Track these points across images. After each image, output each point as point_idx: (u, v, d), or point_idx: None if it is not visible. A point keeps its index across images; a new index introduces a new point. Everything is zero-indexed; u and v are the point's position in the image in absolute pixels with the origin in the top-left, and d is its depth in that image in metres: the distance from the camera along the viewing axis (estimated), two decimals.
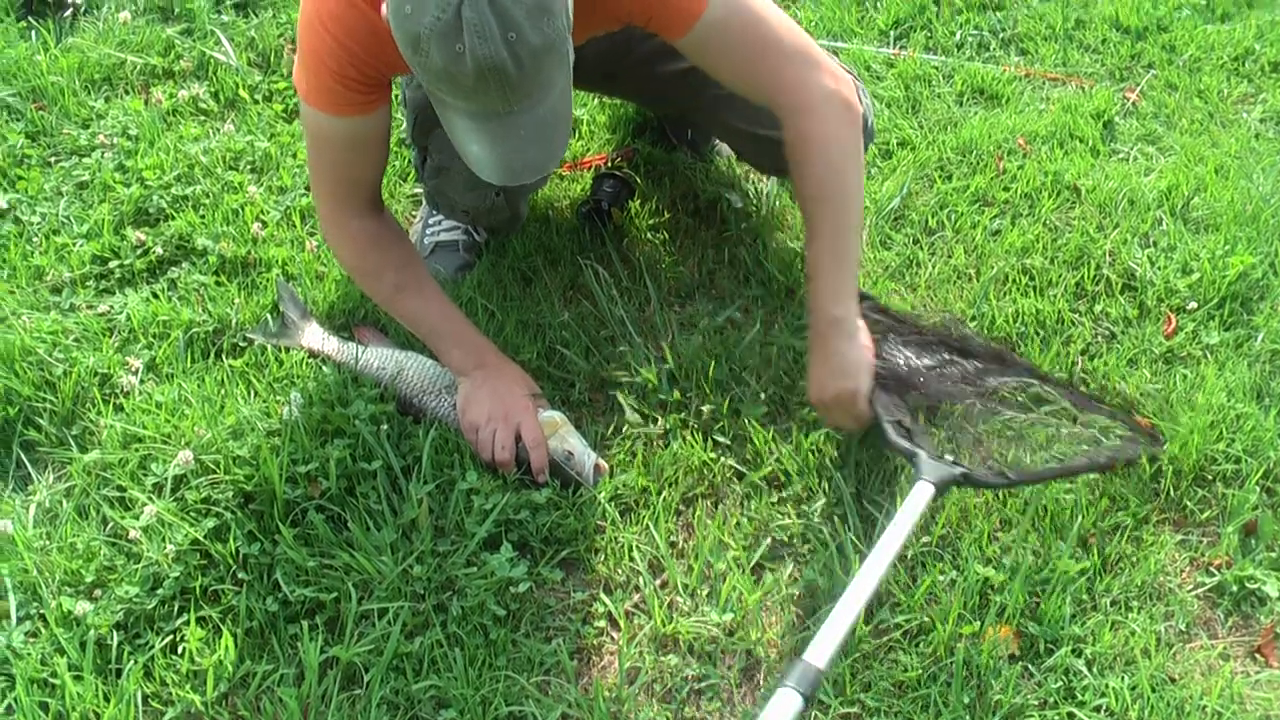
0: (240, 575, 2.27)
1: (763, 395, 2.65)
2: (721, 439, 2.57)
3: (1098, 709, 2.10)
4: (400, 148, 3.36)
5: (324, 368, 2.69)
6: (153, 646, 2.17)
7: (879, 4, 4.27)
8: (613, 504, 2.41)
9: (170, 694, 2.12)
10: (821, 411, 2.48)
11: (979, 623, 2.19)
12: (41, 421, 2.60)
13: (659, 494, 2.45)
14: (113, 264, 3.02)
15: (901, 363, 2.54)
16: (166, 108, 3.65)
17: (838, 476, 2.45)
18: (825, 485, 2.47)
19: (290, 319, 2.80)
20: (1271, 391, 2.66)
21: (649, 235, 3.13)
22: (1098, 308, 2.90)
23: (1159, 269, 2.99)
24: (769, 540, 2.39)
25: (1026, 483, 2.37)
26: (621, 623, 2.23)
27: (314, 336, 2.75)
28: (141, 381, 2.69)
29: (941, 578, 2.28)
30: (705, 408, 2.61)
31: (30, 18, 4.01)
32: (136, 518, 2.34)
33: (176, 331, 2.79)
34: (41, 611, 2.22)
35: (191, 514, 2.34)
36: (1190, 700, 2.11)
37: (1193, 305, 2.88)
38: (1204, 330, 2.82)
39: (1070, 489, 2.42)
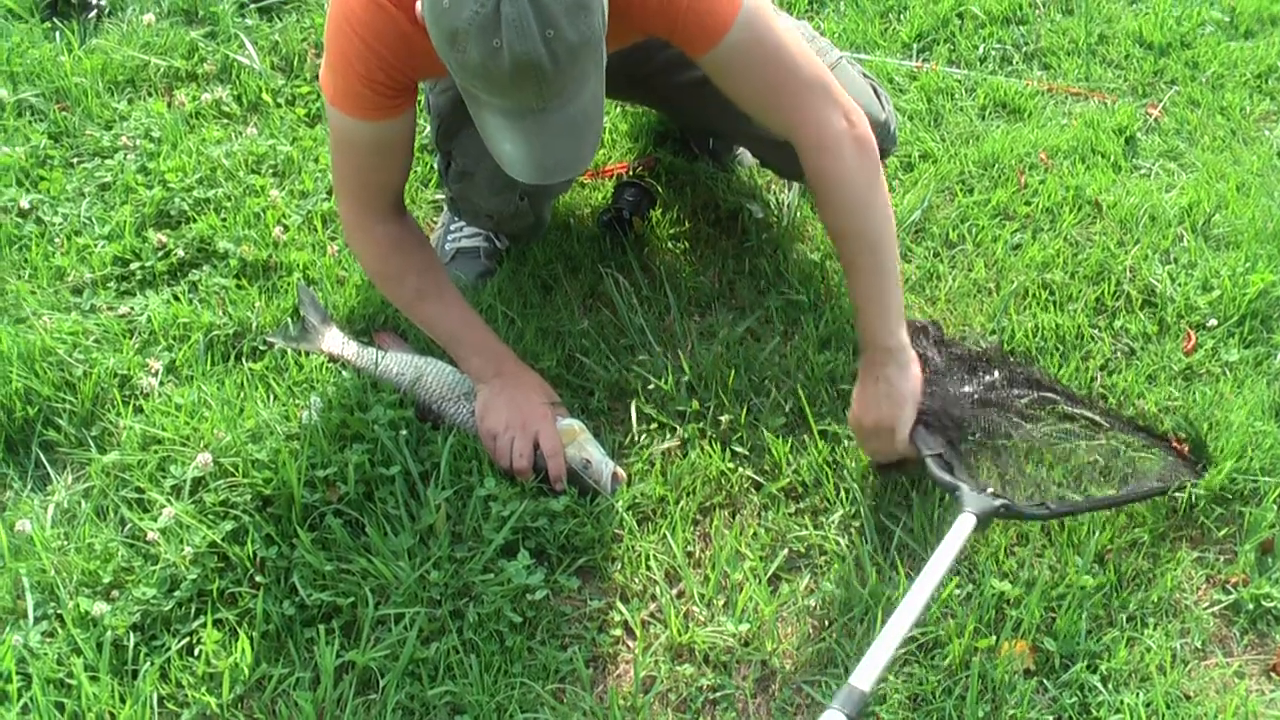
0: (257, 578, 2.28)
1: (783, 406, 2.65)
2: (740, 449, 2.57)
3: None
4: (423, 153, 3.36)
5: (343, 372, 2.69)
6: (169, 648, 2.17)
7: (903, 17, 4.26)
8: (630, 513, 2.42)
9: (186, 696, 2.12)
10: (860, 437, 2.48)
11: (995, 637, 2.19)
12: (61, 422, 2.61)
13: (676, 503, 2.45)
14: (134, 265, 3.03)
15: (951, 394, 2.54)
16: (189, 110, 3.66)
17: (855, 488, 2.45)
18: (843, 497, 2.47)
19: (310, 323, 2.81)
20: None
21: (670, 244, 3.13)
22: (1117, 323, 2.89)
23: (1179, 285, 2.98)
24: (786, 551, 2.39)
25: (1068, 514, 2.37)
26: (637, 631, 2.24)
27: (334, 341, 2.76)
28: (161, 383, 2.70)
29: (958, 591, 2.28)
30: (724, 418, 2.61)
31: (55, 19, 4.02)
32: (155, 519, 2.35)
33: (197, 334, 2.80)
34: (59, 612, 2.23)
35: (209, 516, 2.35)
36: (1205, 718, 2.11)
37: (1213, 322, 2.88)
38: (1224, 347, 2.81)
39: None
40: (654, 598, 2.30)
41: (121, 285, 3.01)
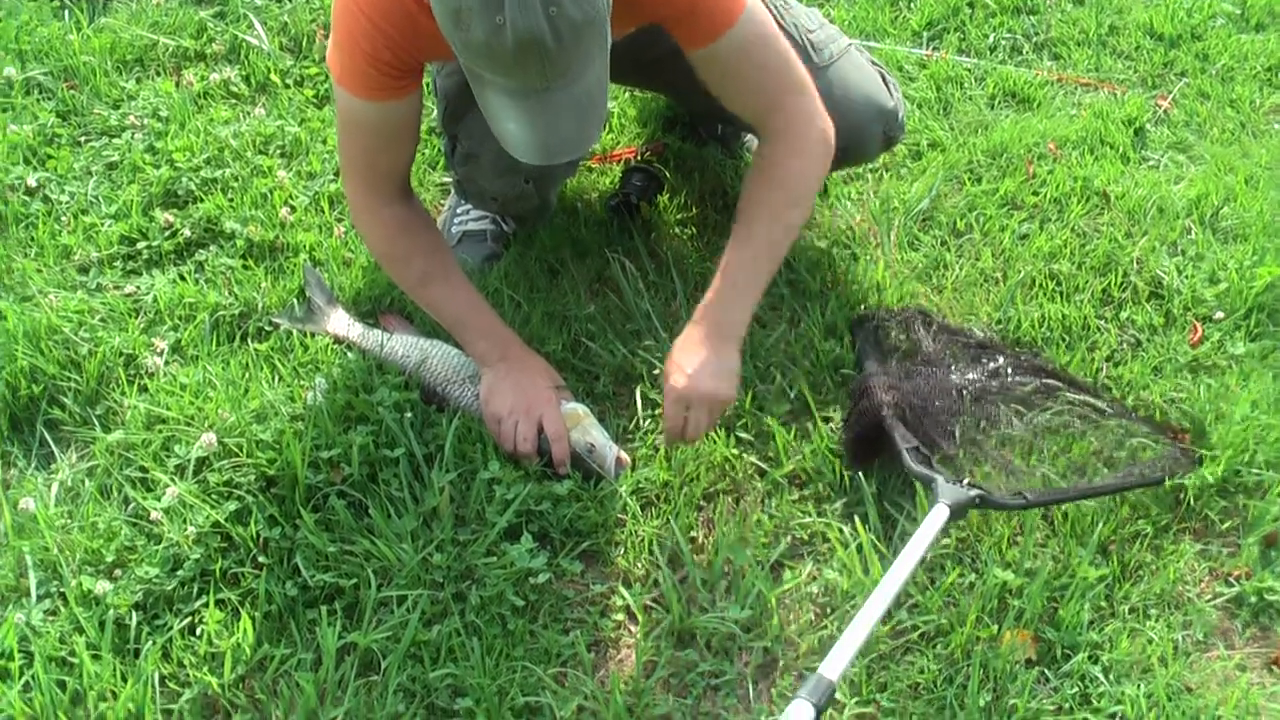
0: (260, 559, 2.28)
1: (787, 393, 2.65)
2: (744, 435, 2.57)
3: (1113, 716, 2.09)
4: (430, 136, 3.36)
5: (349, 354, 2.69)
6: (171, 628, 2.17)
7: (913, 5, 4.26)
8: (634, 498, 2.41)
9: (188, 675, 2.12)
10: (678, 406, 2.41)
11: (997, 626, 2.19)
12: (66, 400, 2.61)
13: (680, 489, 2.45)
14: (140, 245, 3.03)
15: (938, 383, 2.55)
16: (197, 90, 3.66)
17: (859, 477, 2.45)
18: (847, 485, 2.47)
19: (316, 304, 2.81)
20: None
21: (677, 230, 3.13)
22: (1124, 315, 2.89)
23: (1186, 278, 2.98)
24: (789, 538, 2.39)
25: (1045, 504, 2.37)
26: (639, 616, 2.24)
27: (340, 323, 2.76)
28: (166, 363, 2.70)
29: (960, 580, 2.28)
30: None
31: None
32: (158, 499, 2.35)
33: (202, 314, 2.80)
34: (61, 590, 2.23)
35: (213, 496, 2.35)
36: (1206, 710, 2.10)
37: (1219, 315, 2.87)
38: (1230, 340, 2.81)
39: None
40: (656, 583, 2.30)
41: (128, 264, 3.01)
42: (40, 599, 2.21)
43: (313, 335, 2.75)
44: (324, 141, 3.44)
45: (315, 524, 2.30)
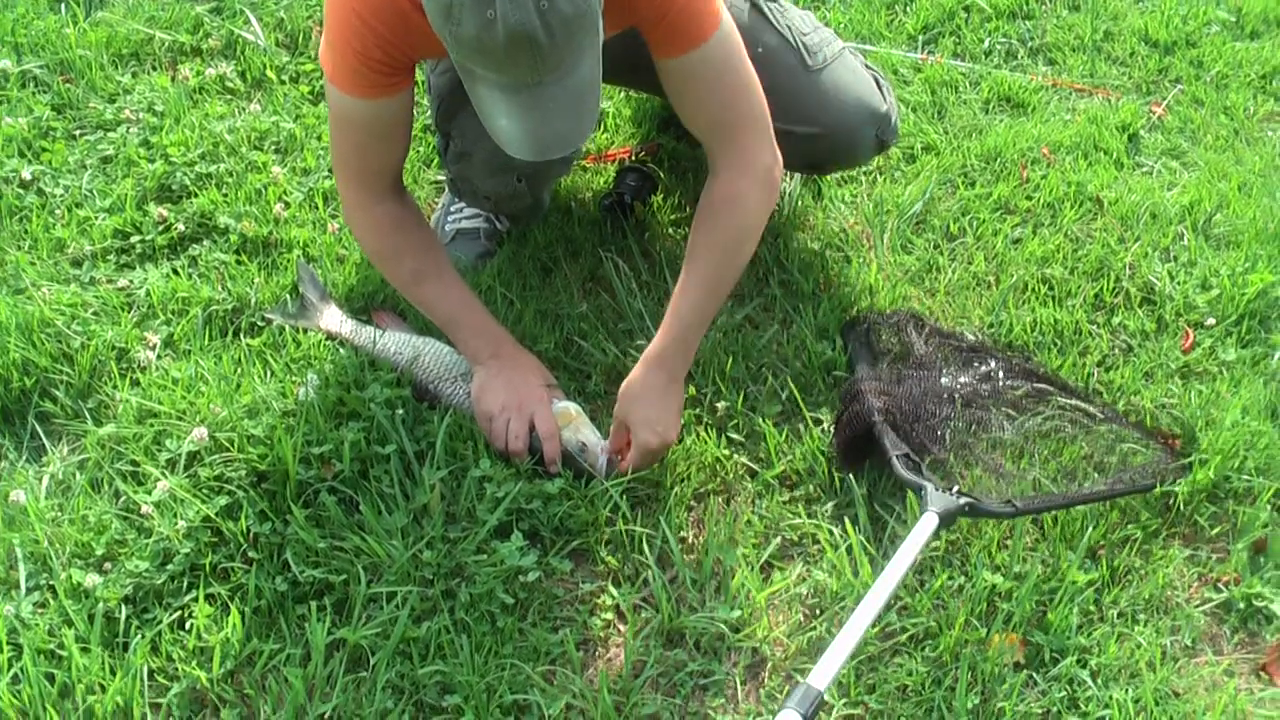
0: (250, 554, 2.28)
1: (779, 394, 2.66)
2: (735, 436, 2.57)
3: None
4: (425, 134, 3.36)
5: (341, 350, 2.69)
6: (161, 621, 2.17)
7: (909, 8, 4.26)
8: (624, 497, 2.41)
9: (176, 669, 2.12)
10: (648, 458, 2.45)
11: (986, 630, 2.20)
12: (57, 393, 2.61)
13: (671, 489, 2.45)
14: (134, 239, 3.03)
15: (923, 389, 2.55)
16: (193, 85, 3.65)
17: (850, 478, 2.45)
18: (837, 486, 2.47)
19: (309, 300, 2.81)
20: None
21: (670, 230, 3.13)
22: (1116, 320, 2.89)
23: (1179, 284, 2.99)
24: (779, 539, 2.39)
25: (1034, 511, 2.37)
26: (629, 615, 2.24)
27: (332, 319, 2.76)
28: (159, 357, 2.70)
29: (950, 583, 2.28)
30: (720, 404, 2.61)
31: None
32: (149, 493, 2.35)
33: (195, 309, 2.80)
34: (51, 583, 2.23)
35: (204, 491, 2.35)
36: (1193, 715, 2.11)
37: (1211, 321, 2.88)
38: (1221, 346, 2.82)
39: None
40: (646, 582, 2.30)
41: (121, 258, 3.01)
42: (30, 591, 2.21)
43: (305, 331, 2.75)
44: (319, 138, 3.44)
45: (306, 520, 2.30)
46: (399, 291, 2.70)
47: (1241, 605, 2.31)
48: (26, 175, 3.23)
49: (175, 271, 2.94)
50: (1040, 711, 2.11)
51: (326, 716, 2.06)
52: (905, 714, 2.10)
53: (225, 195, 3.17)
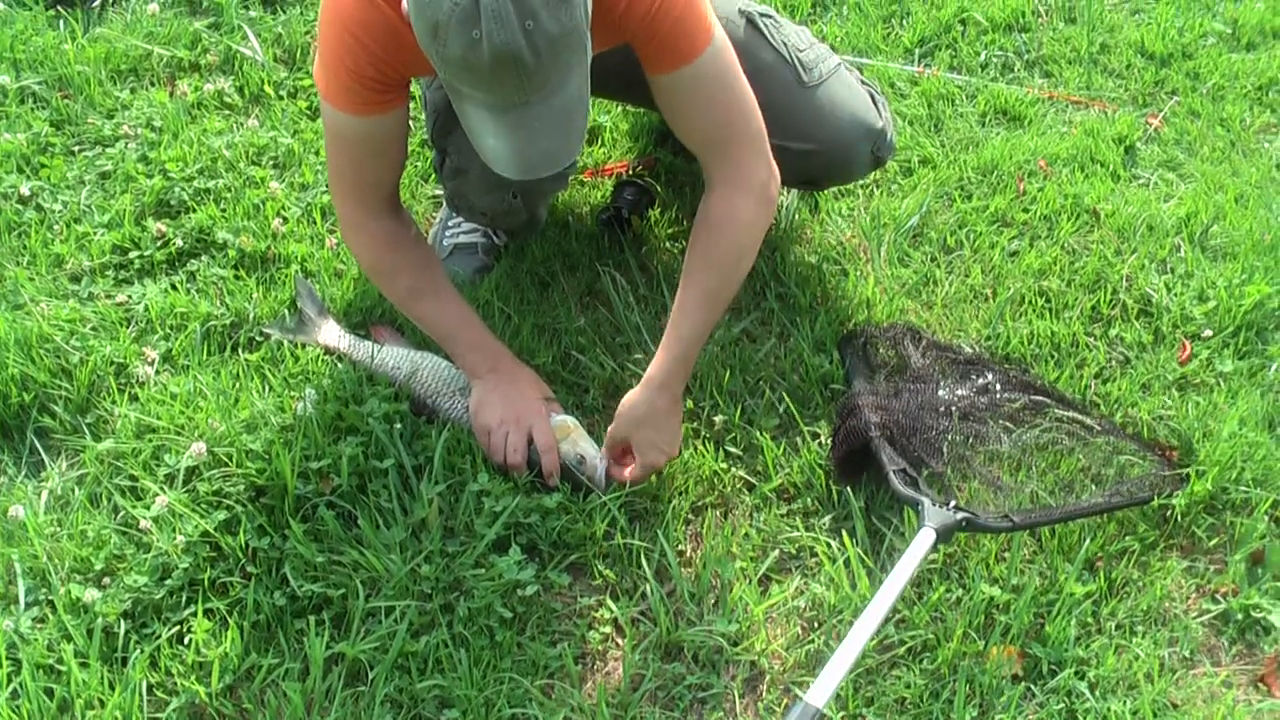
0: (249, 569, 2.28)
1: (776, 408, 2.66)
2: (733, 449, 2.57)
3: None
4: (422, 149, 3.37)
5: (339, 365, 2.69)
6: (159, 636, 2.18)
7: (905, 22, 4.26)
8: (622, 511, 2.42)
9: (175, 684, 2.13)
10: (648, 467, 2.46)
11: (983, 642, 2.20)
12: (56, 409, 2.61)
13: (668, 502, 2.46)
14: (132, 254, 3.03)
15: (920, 402, 2.55)
16: (191, 101, 3.66)
17: (847, 491, 2.45)
18: (835, 499, 2.47)
19: (308, 315, 2.81)
20: None
21: (668, 244, 3.13)
22: (1113, 332, 2.90)
23: (1175, 295, 2.99)
24: (777, 552, 2.39)
25: (1031, 526, 2.37)
26: (627, 629, 2.24)
27: (330, 334, 2.76)
28: (157, 372, 2.70)
29: (947, 595, 2.28)
30: (718, 418, 2.61)
31: (59, 6, 4.01)
32: (148, 508, 2.36)
33: (194, 324, 2.80)
34: (50, 598, 2.23)
35: (202, 506, 2.35)
36: None
37: (1208, 333, 2.88)
38: (1218, 358, 2.82)
39: None
40: (644, 596, 2.31)
41: (120, 274, 3.01)
42: (29, 606, 2.22)
43: (303, 346, 2.75)
44: (317, 153, 3.44)
45: (304, 534, 2.30)
46: (396, 307, 2.71)
47: (1239, 616, 2.31)
48: (25, 191, 3.23)
49: (174, 286, 2.94)
50: None
51: None
52: None
53: (223, 210, 3.17)
